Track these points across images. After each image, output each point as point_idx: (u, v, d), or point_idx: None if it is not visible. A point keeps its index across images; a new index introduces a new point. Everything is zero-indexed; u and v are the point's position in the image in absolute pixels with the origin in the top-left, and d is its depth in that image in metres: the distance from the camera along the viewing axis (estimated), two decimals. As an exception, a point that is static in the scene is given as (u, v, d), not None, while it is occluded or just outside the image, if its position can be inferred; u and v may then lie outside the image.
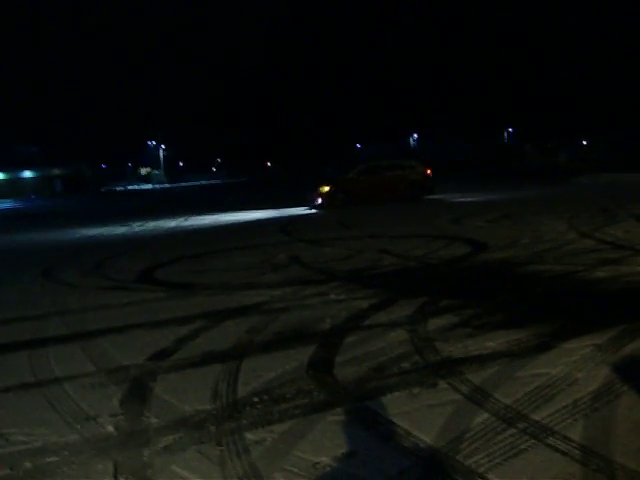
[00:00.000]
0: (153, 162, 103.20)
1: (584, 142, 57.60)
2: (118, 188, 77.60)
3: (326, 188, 24.00)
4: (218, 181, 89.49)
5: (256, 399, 4.28)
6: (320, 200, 23.92)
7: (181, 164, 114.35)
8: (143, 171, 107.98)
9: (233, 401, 4.28)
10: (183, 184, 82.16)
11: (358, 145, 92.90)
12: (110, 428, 3.97)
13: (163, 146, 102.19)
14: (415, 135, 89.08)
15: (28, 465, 3.55)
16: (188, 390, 4.55)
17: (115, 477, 3.33)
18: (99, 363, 5.39)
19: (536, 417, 3.76)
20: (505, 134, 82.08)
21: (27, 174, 72.29)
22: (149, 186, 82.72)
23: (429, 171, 25.26)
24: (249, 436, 3.71)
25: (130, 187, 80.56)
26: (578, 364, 4.66)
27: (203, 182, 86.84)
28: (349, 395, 4.30)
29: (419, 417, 3.87)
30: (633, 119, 58.37)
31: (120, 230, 19.25)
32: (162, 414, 4.11)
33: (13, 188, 68.38)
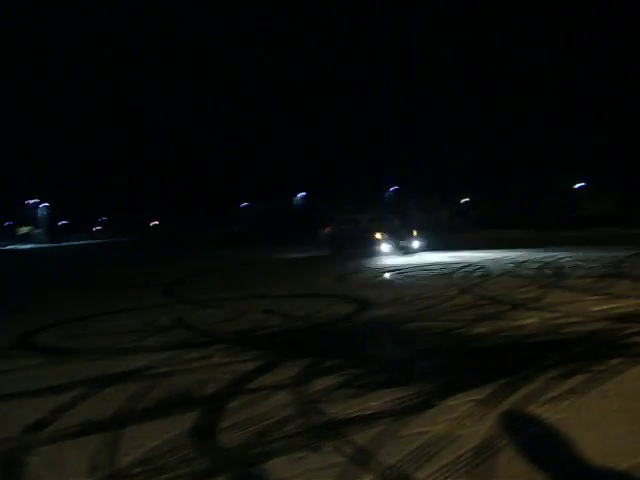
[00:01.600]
0: (33, 220, 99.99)
1: (466, 199, 59.70)
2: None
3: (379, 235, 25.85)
4: (101, 240, 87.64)
5: (137, 470, 4.15)
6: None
7: (63, 222, 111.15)
8: (22, 230, 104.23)
9: (113, 473, 4.13)
10: (65, 244, 79.84)
11: (244, 204, 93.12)
12: (-21, 509, 3.76)
13: (44, 204, 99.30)
14: (301, 194, 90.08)
15: None
16: (65, 463, 4.35)
17: None
18: (-32, 438, 5.11)
19: (420, 476, 3.81)
20: (388, 192, 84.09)
21: None
22: (28, 246, 79.90)
23: None
24: (129, 510, 3.60)
25: (7, 247, 77.53)
26: (459, 421, 4.77)
27: (86, 241, 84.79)
28: (232, 462, 4.24)
29: (303, 482, 3.85)
30: (512, 178, 61.10)
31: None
32: (36, 491, 3.92)
33: None
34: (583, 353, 6.66)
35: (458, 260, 20.08)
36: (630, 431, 4.40)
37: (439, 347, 7.53)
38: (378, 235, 26.82)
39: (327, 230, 27.24)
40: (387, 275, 16.43)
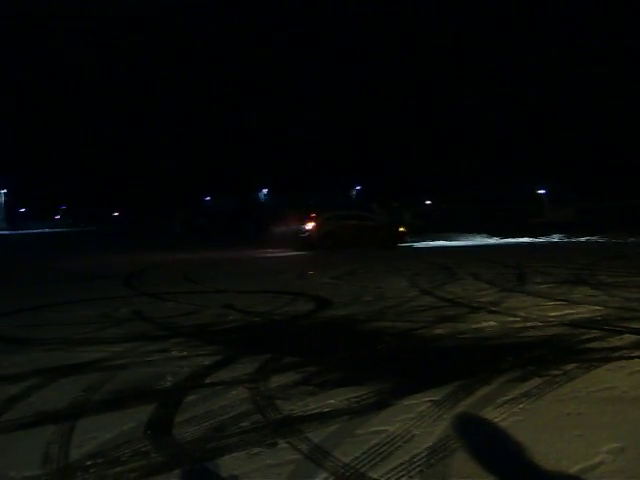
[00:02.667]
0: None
1: (428, 202, 60.05)
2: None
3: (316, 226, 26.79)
4: (62, 229, 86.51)
5: (90, 462, 4.11)
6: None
7: (22, 210, 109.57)
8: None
9: (65, 465, 4.08)
10: (24, 232, 78.64)
11: (207, 197, 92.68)
12: None
13: (4, 191, 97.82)
14: (264, 190, 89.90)
15: None
16: (16, 454, 4.29)
17: None
18: None
19: (374, 475, 3.82)
20: (354, 192, 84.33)
21: None
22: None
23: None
24: (80, 502, 3.56)
25: None
26: (415, 421, 4.80)
27: (46, 230, 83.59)
28: (188, 456, 4.21)
29: (257, 477, 3.84)
30: (476, 180, 61.81)
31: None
32: (-14, 481, 3.86)
33: None
34: (539, 358, 6.74)
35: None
36: (582, 435, 4.46)
37: (397, 347, 7.57)
38: (402, 228, 29.07)
39: (310, 225, 27.16)
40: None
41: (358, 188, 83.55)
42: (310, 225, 27.30)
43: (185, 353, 7.29)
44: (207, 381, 6.07)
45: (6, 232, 79.81)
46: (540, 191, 50.80)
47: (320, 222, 27.36)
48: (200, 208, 79.98)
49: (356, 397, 5.42)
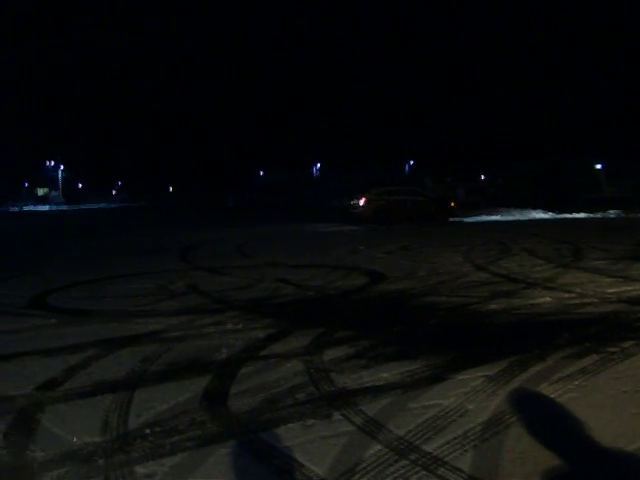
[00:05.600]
0: (51, 183, 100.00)
1: (482, 177, 59.27)
2: (12, 209, 74.80)
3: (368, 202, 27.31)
4: (119, 204, 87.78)
5: (148, 431, 4.20)
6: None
7: (80, 186, 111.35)
8: (40, 192, 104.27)
9: (124, 433, 4.18)
10: (82, 207, 79.99)
11: (261, 172, 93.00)
12: (-8, 462, 3.81)
13: (62, 166, 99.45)
14: (318, 164, 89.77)
15: None
16: (77, 422, 4.41)
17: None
18: (-17, 393, 5.17)
19: (427, 448, 3.83)
20: (407, 167, 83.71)
21: None
22: (46, 207, 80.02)
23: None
24: (139, 469, 3.63)
25: (26, 208, 77.71)
26: (469, 395, 4.79)
27: (102, 205, 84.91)
28: (243, 427, 4.27)
29: (312, 449, 3.88)
30: (531, 154, 60.83)
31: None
32: (48, 447, 3.96)
33: None
34: (596, 334, 6.65)
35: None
36: (638, 413, 4.40)
37: (451, 322, 7.54)
38: (452, 203, 29.45)
39: (362, 201, 27.19)
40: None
41: (411, 163, 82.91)
42: (362, 200, 27.29)
43: (240, 326, 7.36)
44: (261, 354, 6.13)
45: (65, 207, 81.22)
46: (597, 165, 49.73)
47: (372, 197, 27.33)
48: (253, 183, 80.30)
49: (409, 371, 5.43)
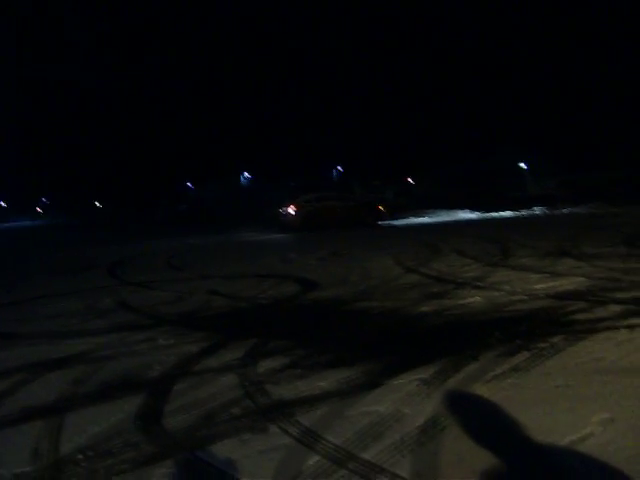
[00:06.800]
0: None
1: (410, 179, 59.99)
2: None
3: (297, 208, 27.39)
4: (44, 222, 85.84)
5: (80, 456, 4.09)
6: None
7: (3, 204, 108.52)
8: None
9: (55, 460, 4.05)
10: (5, 225, 77.89)
11: (189, 184, 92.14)
12: None
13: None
14: (246, 173, 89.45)
15: None
16: (5, 452, 4.26)
17: None
18: None
19: (366, 456, 3.83)
20: (334, 172, 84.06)
21: None
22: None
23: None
24: (72, 497, 3.53)
25: None
26: (405, 400, 4.81)
27: (27, 223, 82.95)
28: (179, 446, 4.20)
29: (249, 464, 3.84)
30: (457, 155, 61.91)
31: None
32: (-25, 480, 3.83)
33: None
34: (526, 331, 6.76)
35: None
36: (571, 407, 4.49)
37: (385, 326, 7.57)
38: (381, 206, 29.51)
39: (291, 208, 27.17)
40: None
41: (339, 168, 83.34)
42: (291, 208, 27.34)
43: (172, 341, 7.26)
44: (195, 369, 6.05)
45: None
46: (521, 164, 50.87)
47: (301, 204, 27.40)
48: (182, 195, 79.50)
49: (345, 378, 5.43)
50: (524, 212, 32.63)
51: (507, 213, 32.67)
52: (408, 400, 4.81)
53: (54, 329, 8.44)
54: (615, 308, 7.59)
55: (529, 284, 9.57)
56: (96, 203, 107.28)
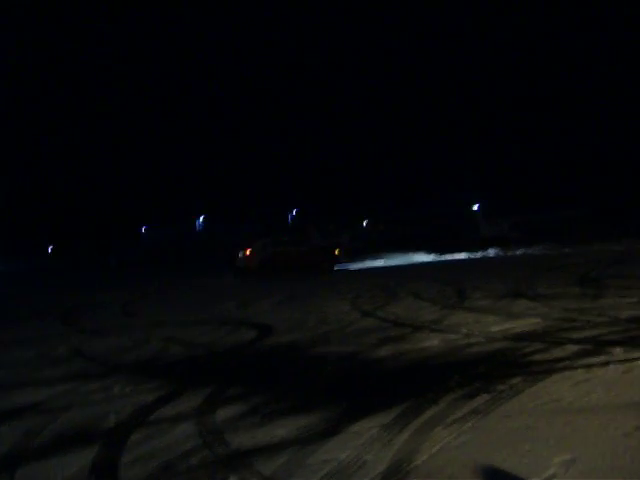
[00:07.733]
0: None
1: (364, 223, 60.39)
2: None
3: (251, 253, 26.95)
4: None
5: (32, 512, 3.96)
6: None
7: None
8: None
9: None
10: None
11: (143, 228, 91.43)
12: None
13: None
14: (201, 218, 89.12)
15: None
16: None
17: None
18: None
19: (327, 505, 3.77)
20: (289, 216, 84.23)
21: None
22: None
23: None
24: None
25: None
26: (366, 446, 4.76)
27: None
28: (135, 499, 4.09)
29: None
30: (411, 198, 62.74)
31: None
32: None
33: None
34: (485, 373, 6.78)
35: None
36: (532, 449, 4.49)
37: (343, 372, 7.53)
38: (337, 251, 28.99)
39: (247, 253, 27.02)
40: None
41: (296, 211, 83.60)
42: (247, 252, 27.23)
43: (127, 390, 7.12)
44: (152, 418, 5.93)
45: None
46: (474, 207, 51.60)
47: (257, 249, 27.31)
48: (135, 239, 78.82)
49: (305, 426, 5.36)
50: (478, 254, 32.94)
51: (462, 255, 32.94)
52: (369, 446, 4.76)
53: (4, 379, 8.23)
54: (572, 348, 7.66)
55: (486, 326, 9.62)
56: (49, 249, 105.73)
